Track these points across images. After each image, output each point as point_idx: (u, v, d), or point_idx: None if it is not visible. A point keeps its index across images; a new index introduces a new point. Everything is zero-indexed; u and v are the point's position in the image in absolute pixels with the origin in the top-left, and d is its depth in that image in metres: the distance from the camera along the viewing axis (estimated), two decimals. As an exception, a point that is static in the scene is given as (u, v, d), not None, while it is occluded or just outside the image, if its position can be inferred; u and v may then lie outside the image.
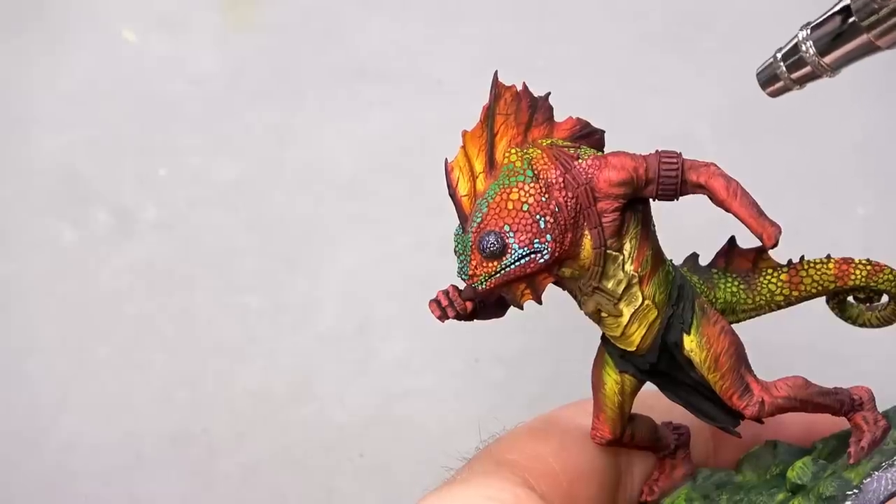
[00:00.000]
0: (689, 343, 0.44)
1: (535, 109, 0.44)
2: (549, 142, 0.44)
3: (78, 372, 0.71)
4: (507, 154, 0.43)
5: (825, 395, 0.44)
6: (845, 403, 0.44)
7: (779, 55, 0.45)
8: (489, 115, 0.43)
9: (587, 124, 0.45)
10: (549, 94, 0.44)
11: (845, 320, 0.49)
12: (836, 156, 0.72)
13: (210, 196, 0.72)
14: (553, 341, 0.69)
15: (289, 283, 0.71)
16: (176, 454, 0.70)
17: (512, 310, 0.44)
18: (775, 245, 0.42)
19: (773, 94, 0.46)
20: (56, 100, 0.73)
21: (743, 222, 0.42)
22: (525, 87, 0.44)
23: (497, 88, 0.43)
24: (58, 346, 0.71)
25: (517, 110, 0.43)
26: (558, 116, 0.45)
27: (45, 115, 0.73)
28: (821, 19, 0.44)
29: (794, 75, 0.45)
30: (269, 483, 0.69)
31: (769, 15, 0.71)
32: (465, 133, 0.43)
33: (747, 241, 0.44)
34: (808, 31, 0.44)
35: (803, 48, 0.44)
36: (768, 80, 0.46)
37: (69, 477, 0.70)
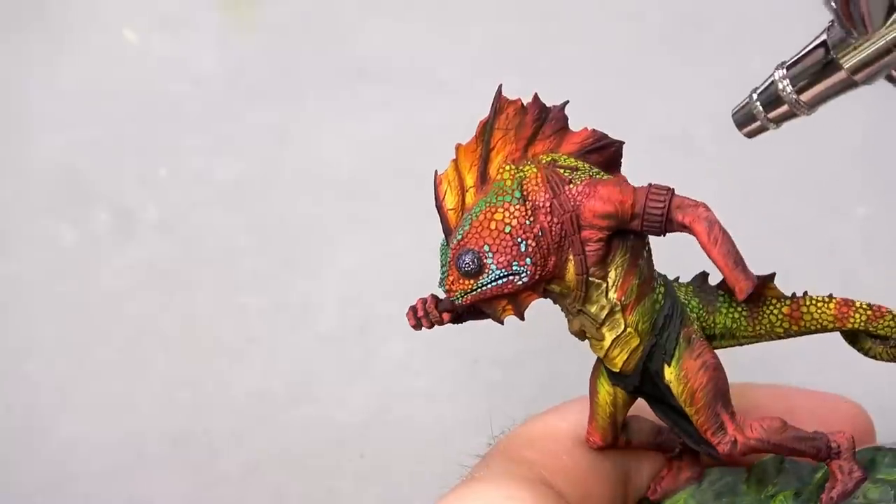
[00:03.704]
0: (669, 374, 0.43)
1: (542, 122, 0.43)
2: (549, 158, 0.43)
3: (78, 372, 0.71)
4: (500, 170, 0.42)
5: (801, 441, 0.43)
6: (822, 450, 0.43)
7: (755, 95, 0.44)
8: (486, 129, 0.42)
9: (602, 136, 0.43)
10: (567, 102, 0.43)
11: (857, 350, 0.48)
12: (836, 156, 0.71)
13: (210, 196, 0.72)
14: (551, 343, 0.69)
15: (289, 283, 0.71)
16: (177, 454, 0.70)
17: (512, 311, 0.44)
18: (745, 298, 0.41)
19: (750, 135, 0.45)
20: (56, 100, 0.73)
21: (720, 270, 0.41)
22: (535, 98, 0.43)
23: (499, 103, 0.42)
24: (58, 346, 0.71)
25: (519, 125, 0.42)
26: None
27: (45, 115, 0.73)
28: (797, 57, 0.43)
29: (771, 115, 0.44)
30: (270, 483, 0.69)
31: (768, 17, 0.71)
32: (458, 147, 0.42)
33: (757, 266, 0.43)
34: (785, 70, 0.43)
35: (780, 86, 0.43)
36: (744, 120, 0.45)
37: (69, 477, 0.70)
